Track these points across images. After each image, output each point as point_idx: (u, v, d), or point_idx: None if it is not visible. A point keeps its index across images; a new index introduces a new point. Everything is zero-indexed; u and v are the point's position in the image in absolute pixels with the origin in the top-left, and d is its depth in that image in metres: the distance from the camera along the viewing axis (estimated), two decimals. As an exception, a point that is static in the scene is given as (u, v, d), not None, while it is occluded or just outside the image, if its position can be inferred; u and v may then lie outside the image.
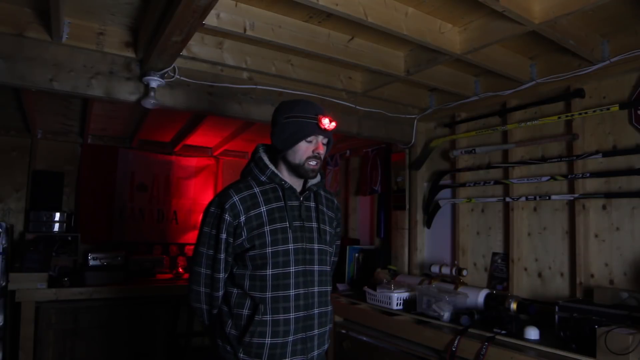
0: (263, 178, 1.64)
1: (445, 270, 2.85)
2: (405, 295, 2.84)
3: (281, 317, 1.55)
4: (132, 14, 2.19)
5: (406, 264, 3.58)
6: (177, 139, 4.53)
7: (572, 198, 2.56)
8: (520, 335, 2.15)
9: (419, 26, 2.15)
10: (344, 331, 3.01)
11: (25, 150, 4.22)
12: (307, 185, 1.71)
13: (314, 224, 1.67)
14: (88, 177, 4.42)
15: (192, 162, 5.05)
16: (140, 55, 2.41)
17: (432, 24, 2.21)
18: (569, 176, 2.56)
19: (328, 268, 1.73)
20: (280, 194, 1.64)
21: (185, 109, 2.66)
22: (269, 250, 1.56)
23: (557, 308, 2.19)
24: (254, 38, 2.16)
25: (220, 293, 1.62)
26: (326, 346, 1.70)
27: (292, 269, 1.59)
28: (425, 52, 2.46)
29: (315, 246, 1.66)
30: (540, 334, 2.13)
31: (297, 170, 1.63)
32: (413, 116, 3.49)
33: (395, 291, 2.84)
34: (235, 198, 1.59)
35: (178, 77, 2.52)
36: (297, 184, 1.69)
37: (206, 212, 1.65)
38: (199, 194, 5.07)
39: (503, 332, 2.19)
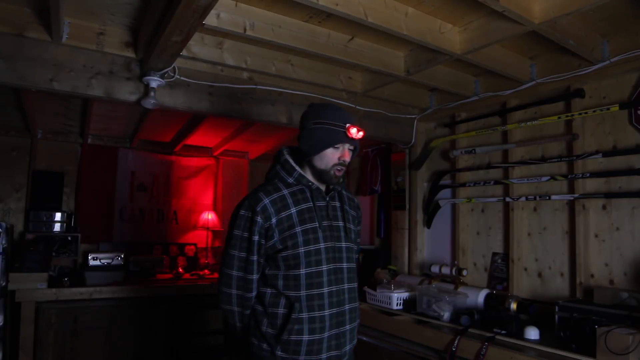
0: (290, 180, 1.68)
1: (445, 270, 2.85)
2: (405, 295, 2.84)
3: (316, 314, 1.59)
4: (132, 14, 2.19)
5: (406, 264, 3.58)
6: (177, 139, 4.53)
7: (572, 198, 2.56)
8: (520, 335, 2.15)
9: (419, 26, 2.15)
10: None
11: (25, 150, 4.21)
12: (331, 186, 1.75)
13: (341, 223, 1.72)
14: (88, 177, 4.42)
15: (192, 162, 5.04)
16: (140, 55, 2.41)
17: (432, 24, 2.21)
18: (569, 176, 2.56)
19: (354, 265, 1.78)
20: (308, 194, 1.68)
21: (185, 109, 2.66)
22: (301, 250, 1.60)
23: (557, 308, 2.19)
24: (254, 38, 2.17)
25: (254, 294, 1.65)
26: (355, 341, 1.75)
27: (324, 267, 1.63)
28: (425, 52, 2.46)
29: (343, 244, 1.71)
30: (540, 334, 2.13)
31: (322, 175, 1.67)
32: (413, 116, 3.49)
33: (395, 291, 2.84)
34: (266, 200, 1.61)
35: (178, 77, 2.52)
36: (322, 184, 1.73)
37: (235, 215, 1.67)
38: (199, 194, 5.06)
39: (503, 332, 2.19)
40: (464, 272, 2.76)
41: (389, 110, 3.34)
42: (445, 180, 3.36)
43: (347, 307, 1.67)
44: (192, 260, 4.68)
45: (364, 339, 2.84)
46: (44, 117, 3.82)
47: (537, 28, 2.00)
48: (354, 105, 3.15)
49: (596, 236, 2.49)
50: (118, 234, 4.54)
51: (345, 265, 1.69)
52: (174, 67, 2.43)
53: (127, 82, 2.45)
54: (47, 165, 4.25)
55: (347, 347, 1.68)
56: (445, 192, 3.35)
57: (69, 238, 3.93)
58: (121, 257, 4.01)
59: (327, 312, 1.61)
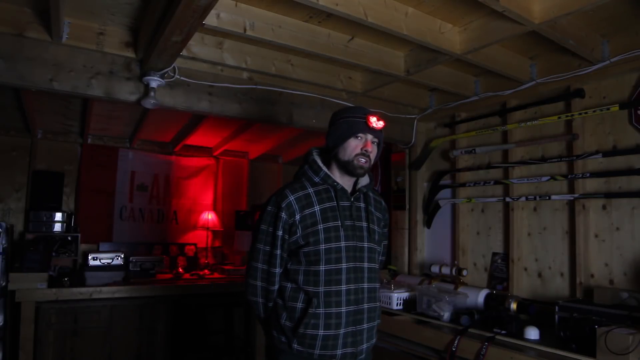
0: (317, 179, 1.73)
1: (445, 270, 2.85)
2: (405, 295, 2.84)
3: (333, 310, 1.63)
4: (132, 14, 2.19)
5: (406, 264, 3.58)
6: (177, 139, 4.53)
7: (572, 198, 2.56)
8: (520, 335, 2.15)
9: (419, 26, 2.15)
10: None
11: (25, 150, 4.21)
12: (357, 187, 1.79)
13: (364, 224, 1.75)
14: (88, 177, 4.42)
15: (192, 162, 5.05)
16: (140, 55, 2.41)
17: (432, 24, 2.21)
18: (569, 176, 2.56)
19: (377, 266, 1.81)
20: (333, 194, 1.72)
21: (185, 109, 2.66)
22: (322, 247, 1.64)
23: (557, 308, 2.19)
24: (254, 38, 2.17)
25: (276, 287, 1.70)
26: (374, 340, 1.77)
27: (343, 266, 1.66)
28: (425, 52, 2.46)
29: (365, 244, 1.73)
30: (540, 334, 2.13)
31: (346, 167, 1.70)
32: (413, 116, 3.49)
33: (395, 291, 2.83)
34: (292, 197, 1.67)
35: (178, 77, 2.52)
36: (348, 184, 1.77)
37: (263, 210, 1.73)
38: (199, 194, 5.07)
39: (503, 332, 2.19)
40: (464, 272, 2.76)
41: (389, 110, 3.34)
42: (445, 180, 3.36)
43: (365, 306, 1.70)
44: (192, 260, 4.68)
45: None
46: (44, 117, 3.82)
47: (537, 28, 2.00)
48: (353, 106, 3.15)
49: (596, 236, 2.49)
50: (118, 234, 4.54)
51: (366, 265, 1.72)
52: (174, 67, 2.42)
53: (127, 82, 2.45)
54: (47, 165, 4.26)
55: (364, 346, 1.70)
56: (445, 192, 3.35)
57: (69, 238, 3.94)
58: (121, 257, 4.00)
59: (344, 309, 1.64)
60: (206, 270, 4.40)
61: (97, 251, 4.04)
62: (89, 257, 3.85)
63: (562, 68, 2.54)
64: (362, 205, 1.78)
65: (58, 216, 4.02)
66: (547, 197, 2.67)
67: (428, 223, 3.47)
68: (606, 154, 2.43)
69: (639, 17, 2.15)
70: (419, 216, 3.54)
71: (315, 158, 1.77)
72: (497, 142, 3.02)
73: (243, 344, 4.05)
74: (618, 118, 2.42)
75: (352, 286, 1.67)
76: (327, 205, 1.70)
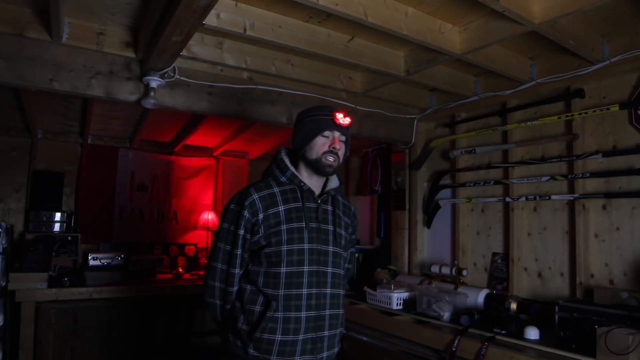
0: (283, 179, 1.68)
1: (445, 270, 2.85)
2: (405, 295, 2.84)
3: (292, 315, 1.57)
4: (132, 14, 2.19)
5: (406, 264, 3.58)
6: (177, 139, 4.53)
7: (572, 198, 2.56)
8: (520, 335, 2.15)
9: (419, 26, 2.15)
10: (344, 331, 3.00)
11: (25, 150, 4.21)
12: (326, 189, 1.74)
13: (330, 227, 1.70)
14: (88, 177, 4.42)
15: (192, 162, 5.04)
16: (140, 55, 2.41)
17: (432, 24, 2.21)
18: (569, 176, 2.56)
19: (342, 271, 1.74)
20: (299, 195, 1.67)
21: (185, 109, 2.66)
22: (284, 248, 1.59)
23: (557, 308, 2.19)
24: (254, 38, 2.17)
25: (235, 289, 1.65)
26: (336, 349, 1.72)
27: (305, 269, 1.61)
28: (425, 52, 2.46)
29: (330, 248, 1.68)
30: (540, 334, 2.13)
31: (315, 165, 1.66)
32: (413, 116, 3.49)
33: (395, 291, 2.83)
34: (255, 196, 1.63)
35: (178, 77, 2.52)
36: (316, 186, 1.72)
37: (226, 208, 1.69)
38: (199, 194, 5.06)
39: (503, 332, 2.19)
40: (464, 272, 2.76)
41: (389, 110, 3.35)
42: (445, 180, 3.36)
43: (327, 312, 1.64)
44: (192, 260, 4.68)
45: (364, 339, 2.84)
46: (44, 117, 3.82)
47: (537, 28, 2.00)
48: (354, 105, 3.15)
49: (596, 236, 2.49)
50: (118, 234, 4.54)
51: (330, 269, 1.66)
52: (174, 67, 2.43)
53: (127, 82, 2.45)
54: (47, 165, 4.25)
55: (325, 354, 1.64)
56: (445, 192, 3.35)
57: (69, 238, 3.93)
58: (121, 257, 4.00)
59: (304, 314, 1.58)
60: (206, 270, 4.39)
61: (97, 251, 4.03)
62: (89, 257, 3.85)
63: (562, 68, 2.54)
64: (330, 208, 1.72)
65: (58, 216, 4.02)
66: (547, 197, 2.67)
67: (428, 223, 3.47)
68: (606, 154, 2.43)
69: (639, 17, 2.15)
70: (419, 216, 3.54)
71: (283, 157, 1.72)
72: (497, 142, 3.02)
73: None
74: (618, 118, 2.42)
75: (313, 290, 1.61)
76: (292, 205, 1.64)
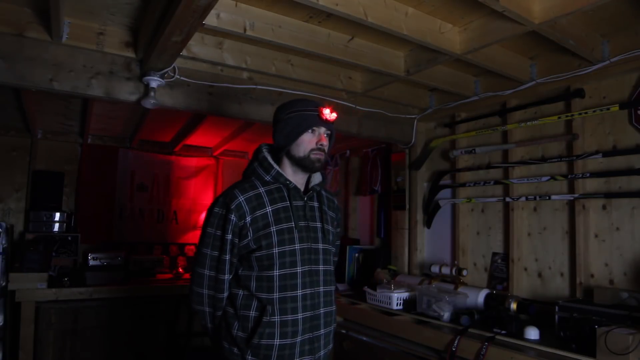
0: (268, 178, 1.63)
1: (445, 270, 2.86)
2: (405, 295, 2.84)
3: (289, 317, 1.54)
4: (132, 14, 2.19)
5: (406, 264, 3.58)
6: (177, 139, 4.53)
7: (572, 198, 2.56)
8: (520, 335, 2.15)
9: (419, 26, 2.15)
10: (344, 331, 3.01)
11: (25, 150, 4.21)
12: (310, 186, 1.71)
13: (318, 224, 1.68)
14: (88, 177, 4.42)
15: (192, 162, 5.05)
16: (140, 55, 2.41)
17: (432, 24, 2.21)
18: (569, 176, 2.56)
19: (332, 268, 1.73)
20: (286, 193, 1.63)
21: (185, 109, 2.66)
22: (276, 250, 1.55)
23: (557, 308, 2.19)
24: (254, 38, 2.16)
25: (225, 295, 1.60)
26: (331, 346, 1.70)
27: (299, 269, 1.58)
28: (425, 52, 2.46)
29: (320, 246, 1.66)
30: (540, 334, 2.13)
31: (302, 163, 1.63)
32: (413, 116, 3.49)
33: (395, 291, 2.84)
34: (241, 198, 1.57)
35: (178, 77, 2.51)
36: (300, 183, 1.69)
37: (209, 212, 1.62)
38: (199, 194, 5.07)
39: (503, 332, 2.19)
40: (464, 272, 2.76)
41: (389, 110, 3.34)
42: (445, 180, 3.36)
43: (322, 310, 1.62)
44: (191, 260, 4.68)
45: (364, 339, 2.85)
46: (44, 117, 3.82)
47: (537, 28, 2.00)
48: (354, 105, 3.15)
49: (596, 236, 2.49)
50: (118, 234, 4.54)
51: (321, 267, 1.65)
52: (174, 67, 2.42)
53: (127, 82, 2.45)
54: (47, 165, 4.25)
55: (322, 352, 1.63)
56: (445, 192, 3.35)
57: (69, 238, 3.93)
58: (121, 257, 4.01)
59: (300, 316, 1.56)
60: (206, 270, 4.39)
61: (97, 251, 4.04)
62: (89, 257, 3.85)
63: (562, 68, 2.54)
64: (316, 204, 1.70)
65: (58, 216, 4.02)
66: (547, 197, 2.67)
67: (428, 223, 3.47)
68: (606, 154, 2.43)
69: (639, 17, 2.15)
70: (419, 216, 3.54)
71: (266, 155, 1.67)
72: (497, 142, 3.02)
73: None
74: (618, 118, 2.42)
75: (308, 291, 1.58)
76: (280, 205, 1.60)
